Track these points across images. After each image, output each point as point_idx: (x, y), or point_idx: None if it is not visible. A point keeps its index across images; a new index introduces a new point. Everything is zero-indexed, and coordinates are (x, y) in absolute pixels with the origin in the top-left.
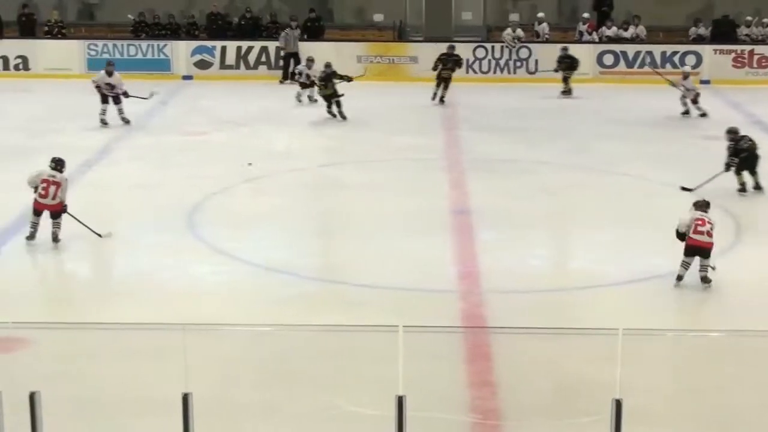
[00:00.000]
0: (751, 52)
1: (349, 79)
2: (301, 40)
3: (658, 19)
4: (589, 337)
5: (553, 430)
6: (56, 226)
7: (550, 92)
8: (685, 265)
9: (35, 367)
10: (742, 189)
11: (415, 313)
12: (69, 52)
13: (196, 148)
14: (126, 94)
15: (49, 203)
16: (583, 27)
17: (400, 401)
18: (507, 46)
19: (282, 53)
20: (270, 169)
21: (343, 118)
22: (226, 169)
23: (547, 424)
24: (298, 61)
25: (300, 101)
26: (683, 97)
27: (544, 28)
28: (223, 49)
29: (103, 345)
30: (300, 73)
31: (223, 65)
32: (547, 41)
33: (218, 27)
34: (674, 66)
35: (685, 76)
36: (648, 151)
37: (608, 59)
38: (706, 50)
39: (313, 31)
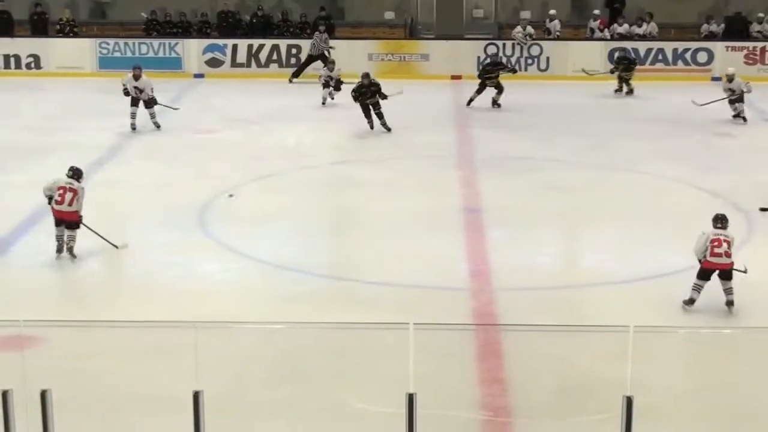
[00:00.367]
0: (763, 49)
1: (384, 96)
2: (310, 37)
3: (670, 16)
4: (599, 334)
5: (563, 427)
6: (71, 239)
7: (560, 90)
8: (698, 288)
9: (46, 365)
10: None
11: (426, 311)
12: (81, 50)
13: (208, 147)
14: (154, 101)
15: (66, 210)
16: (594, 24)
17: (411, 399)
18: (518, 44)
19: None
20: (281, 167)
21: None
22: (237, 167)
23: (558, 421)
24: (325, 64)
25: (324, 104)
26: (731, 101)
27: (555, 25)
28: (235, 47)
29: (114, 343)
30: (325, 76)
31: (234, 63)
32: (558, 38)
33: (229, 25)
34: (686, 63)
35: (730, 78)
36: (660, 148)
37: None
38: (718, 47)
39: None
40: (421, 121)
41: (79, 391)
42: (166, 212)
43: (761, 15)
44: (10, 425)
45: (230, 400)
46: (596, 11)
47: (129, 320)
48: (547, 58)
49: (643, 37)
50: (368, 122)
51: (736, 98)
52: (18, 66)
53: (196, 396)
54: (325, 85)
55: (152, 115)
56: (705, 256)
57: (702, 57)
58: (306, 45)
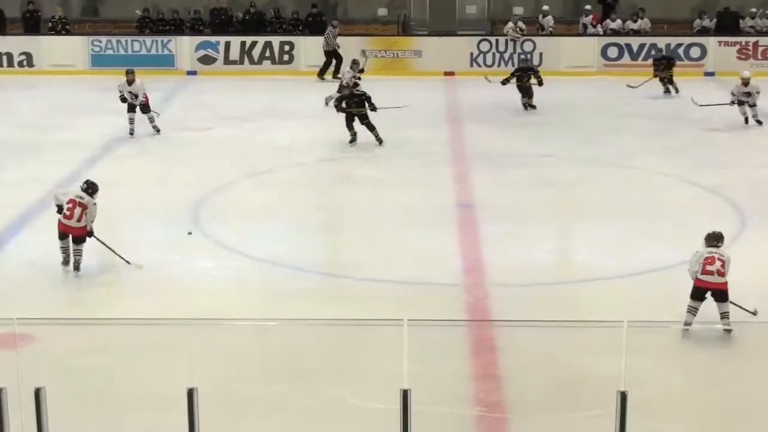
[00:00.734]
0: (756, 44)
1: (373, 107)
2: (302, 34)
3: (663, 12)
4: (593, 329)
5: (558, 422)
6: (78, 253)
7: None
8: (692, 311)
9: (40, 363)
10: None
11: (420, 307)
12: (73, 48)
13: (201, 144)
14: (146, 107)
15: (73, 225)
16: (586, 20)
17: (405, 395)
18: (511, 39)
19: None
20: (275, 164)
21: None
22: (231, 164)
23: (552, 416)
24: (339, 60)
25: (327, 104)
26: (741, 103)
27: (548, 20)
28: (227, 44)
29: (108, 341)
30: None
31: (227, 61)
32: (551, 34)
33: (222, 22)
34: (679, 59)
35: (746, 81)
36: (653, 144)
37: (612, 52)
38: (711, 42)
39: (316, 27)
40: (414, 117)
41: (74, 389)
42: (160, 209)
43: (753, 10)
44: (4, 423)
45: (225, 397)
46: (588, 6)
47: (124, 318)
48: (540, 54)
49: (636, 33)
50: (352, 134)
51: (753, 102)
52: (10, 64)
53: (191, 393)
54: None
55: (151, 119)
56: (697, 275)
57: (695, 52)
58: (299, 42)
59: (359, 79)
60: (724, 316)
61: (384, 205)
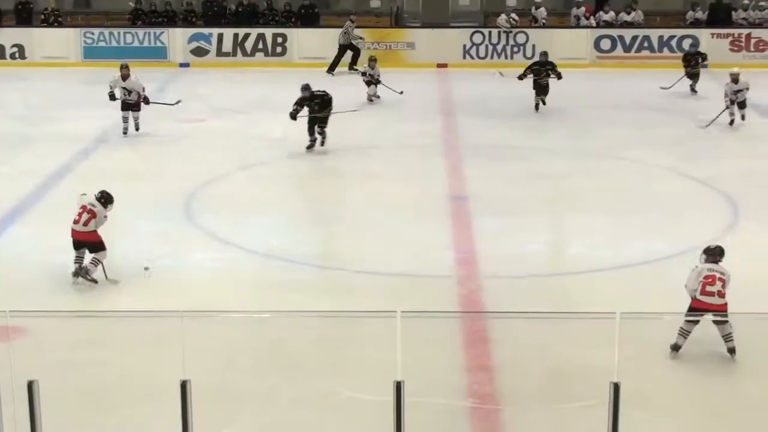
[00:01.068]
0: (748, 36)
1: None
2: (295, 26)
3: (655, 3)
4: (586, 321)
5: (551, 414)
6: (94, 262)
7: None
8: (684, 334)
9: (33, 356)
10: None
11: (414, 299)
12: (65, 40)
13: (194, 136)
14: (147, 101)
15: (79, 230)
16: (579, 11)
17: (399, 386)
18: (504, 31)
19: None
20: (267, 156)
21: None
22: (224, 156)
23: (545, 408)
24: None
25: (371, 101)
26: (730, 102)
27: (541, 12)
28: (220, 36)
29: (101, 333)
30: (364, 73)
31: (219, 52)
32: (544, 26)
33: (214, 14)
34: (672, 50)
35: (736, 78)
36: (646, 135)
37: (605, 44)
38: (703, 34)
39: (309, 19)
40: (406, 109)
41: (67, 382)
42: (152, 201)
43: (746, 2)
44: None
45: (218, 388)
46: None
47: (116, 310)
48: (533, 46)
49: (629, 25)
50: (310, 140)
51: (741, 101)
52: (2, 56)
53: (184, 385)
54: (368, 83)
55: (136, 118)
56: (695, 294)
57: (687, 44)
58: (292, 34)
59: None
60: (727, 338)
61: (377, 197)
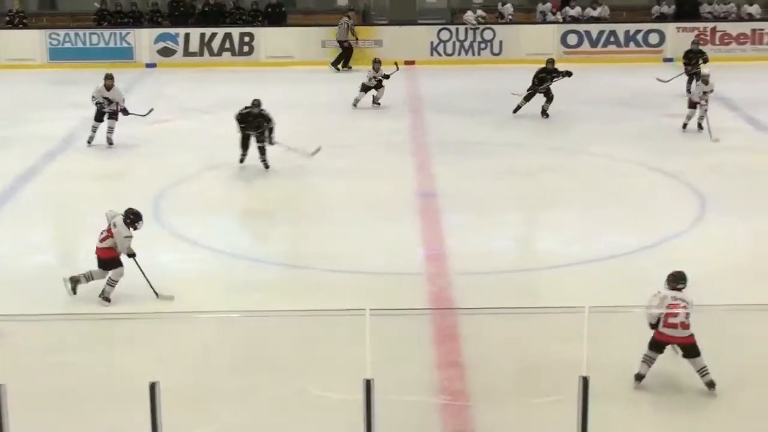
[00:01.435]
0: (714, 29)
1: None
2: (262, 25)
3: None
4: (555, 316)
5: (521, 409)
6: (110, 282)
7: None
8: (648, 361)
9: (2, 359)
10: None
11: (383, 297)
12: (31, 42)
13: (161, 136)
14: (125, 111)
15: (97, 245)
16: (545, 7)
17: (369, 384)
18: (471, 28)
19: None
20: (235, 156)
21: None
22: (192, 156)
23: (516, 403)
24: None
25: (355, 106)
26: (703, 107)
27: (508, 8)
28: (187, 36)
29: (72, 336)
30: (372, 78)
31: (186, 52)
32: (510, 22)
33: (181, 14)
34: (638, 45)
35: (706, 80)
36: (615, 130)
37: (572, 39)
38: (669, 28)
39: (275, 18)
40: (375, 107)
41: (36, 385)
42: (120, 203)
43: None
44: None
45: (190, 389)
46: None
47: (87, 313)
48: (500, 42)
49: (596, 20)
50: (241, 154)
51: (706, 102)
52: None
53: (153, 387)
54: (365, 88)
55: (110, 130)
56: (658, 326)
57: (653, 38)
58: (259, 33)
59: (385, 77)
60: (702, 372)
61: (346, 195)
